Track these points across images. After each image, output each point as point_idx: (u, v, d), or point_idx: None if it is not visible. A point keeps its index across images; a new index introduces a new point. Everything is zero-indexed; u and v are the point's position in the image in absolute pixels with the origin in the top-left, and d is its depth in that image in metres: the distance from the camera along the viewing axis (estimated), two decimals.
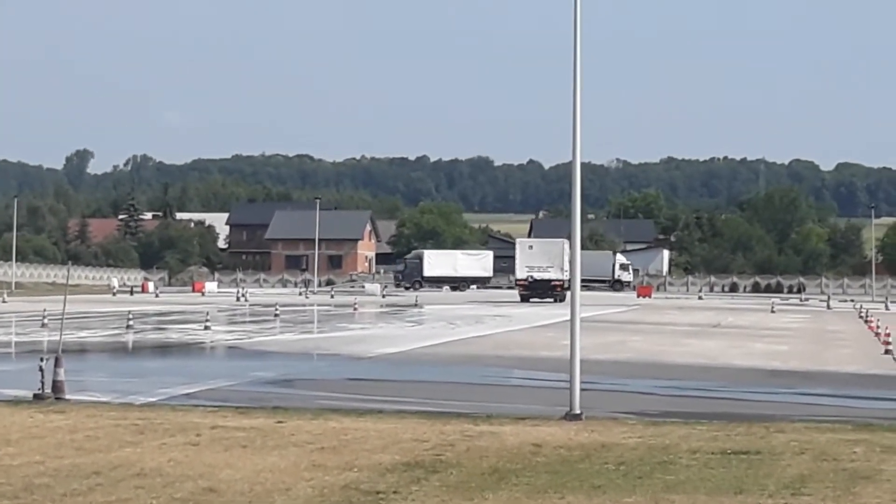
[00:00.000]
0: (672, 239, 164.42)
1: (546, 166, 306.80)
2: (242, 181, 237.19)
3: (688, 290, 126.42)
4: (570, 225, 22.13)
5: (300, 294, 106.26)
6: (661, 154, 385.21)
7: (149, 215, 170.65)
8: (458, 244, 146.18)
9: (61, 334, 27.31)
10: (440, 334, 47.86)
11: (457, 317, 63.64)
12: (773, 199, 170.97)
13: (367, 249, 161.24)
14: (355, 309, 70.29)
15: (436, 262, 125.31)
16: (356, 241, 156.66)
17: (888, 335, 40.27)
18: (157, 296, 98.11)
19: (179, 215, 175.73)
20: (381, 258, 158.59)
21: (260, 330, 50.61)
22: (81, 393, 24.01)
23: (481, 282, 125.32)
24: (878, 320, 52.52)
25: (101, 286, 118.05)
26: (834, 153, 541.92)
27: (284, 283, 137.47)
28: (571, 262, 22.69)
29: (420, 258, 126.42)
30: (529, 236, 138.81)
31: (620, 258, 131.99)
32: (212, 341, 43.48)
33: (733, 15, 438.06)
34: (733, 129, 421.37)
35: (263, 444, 17.35)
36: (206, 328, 48.60)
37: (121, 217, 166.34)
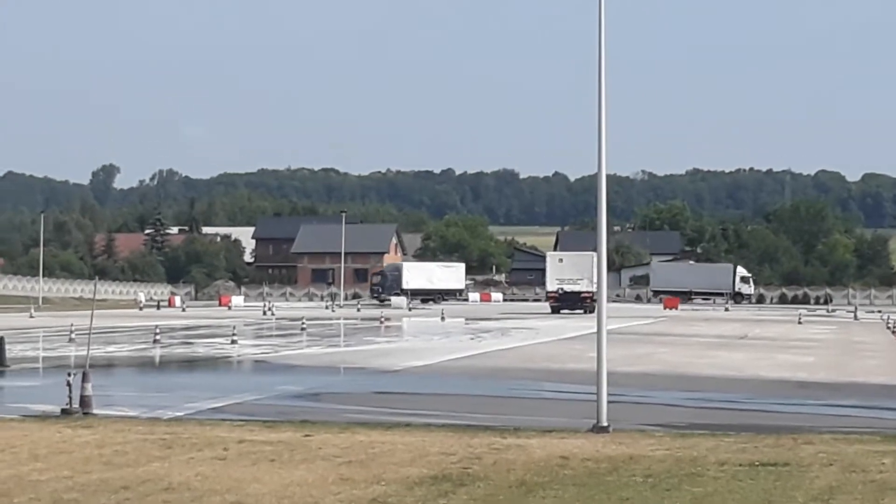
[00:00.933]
0: (698, 251, 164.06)
1: (572, 178, 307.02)
2: (268, 195, 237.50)
3: (714, 302, 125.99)
4: (597, 237, 22.12)
5: (326, 308, 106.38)
6: (686, 166, 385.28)
7: (175, 230, 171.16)
8: (485, 257, 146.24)
9: (88, 349, 27.42)
10: (467, 347, 47.85)
11: (482, 329, 63.63)
12: (800, 210, 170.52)
13: None
14: (382, 322, 70.30)
15: (414, 274, 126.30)
16: (382, 254, 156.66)
17: None
18: (183, 310, 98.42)
19: (205, 229, 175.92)
20: None
21: (286, 344, 50.63)
22: (109, 408, 24.09)
23: (455, 294, 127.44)
24: None
25: (127, 301, 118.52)
26: (860, 164, 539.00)
27: (311, 297, 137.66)
28: (598, 274, 22.69)
29: (399, 270, 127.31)
30: (556, 249, 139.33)
31: (741, 271, 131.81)
32: (238, 355, 43.57)
33: (757, 28, 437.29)
34: (759, 141, 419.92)
35: (291, 457, 17.36)
36: (233, 342, 48.71)
37: (147, 232, 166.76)
